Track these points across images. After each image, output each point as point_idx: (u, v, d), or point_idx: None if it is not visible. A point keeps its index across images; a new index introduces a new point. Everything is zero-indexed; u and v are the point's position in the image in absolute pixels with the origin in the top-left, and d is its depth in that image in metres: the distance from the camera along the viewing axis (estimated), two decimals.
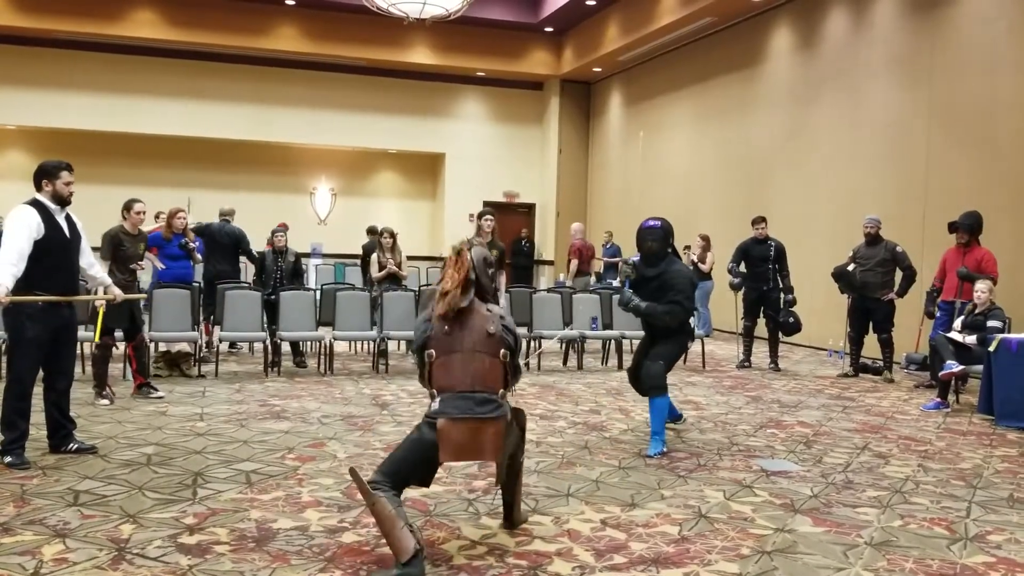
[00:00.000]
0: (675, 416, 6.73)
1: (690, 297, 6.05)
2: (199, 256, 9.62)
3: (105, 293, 5.97)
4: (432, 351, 3.82)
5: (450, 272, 3.88)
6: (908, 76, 11.15)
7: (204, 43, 17.58)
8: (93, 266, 5.73)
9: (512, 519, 4.18)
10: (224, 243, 10.16)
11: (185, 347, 8.94)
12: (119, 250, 7.35)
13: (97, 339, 6.91)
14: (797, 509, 4.64)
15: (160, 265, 9.35)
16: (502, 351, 3.84)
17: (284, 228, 13.32)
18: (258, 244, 11.02)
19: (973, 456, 6.05)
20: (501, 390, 3.83)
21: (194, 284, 9.42)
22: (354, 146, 20.06)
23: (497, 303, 4.01)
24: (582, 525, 4.28)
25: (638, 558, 3.84)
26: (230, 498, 4.57)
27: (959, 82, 10.36)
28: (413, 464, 3.73)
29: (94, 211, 15.89)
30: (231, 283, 9.52)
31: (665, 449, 5.84)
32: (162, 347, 8.95)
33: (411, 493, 4.70)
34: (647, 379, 5.97)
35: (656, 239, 6.04)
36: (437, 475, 4.96)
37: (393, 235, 10.24)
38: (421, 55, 18.70)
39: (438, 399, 3.76)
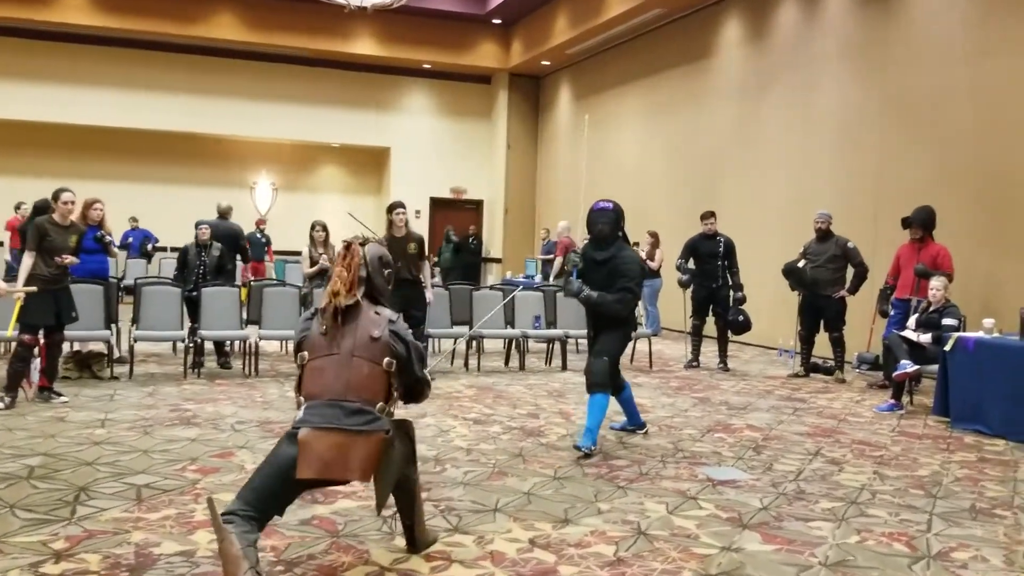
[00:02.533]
0: (638, 424, 6.36)
1: (640, 283, 5.86)
2: (115, 250, 9.02)
3: None
4: (305, 353, 3.34)
5: (338, 270, 3.39)
6: (861, 68, 10.88)
7: (137, 30, 16.80)
8: None
9: (416, 543, 3.66)
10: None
11: (100, 347, 8.33)
12: (44, 240, 6.80)
13: (8, 333, 6.39)
14: (745, 524, 4.22)
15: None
16: (386, 359, 3.33)
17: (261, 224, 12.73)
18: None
19: (931, 462, 5.70)
20: (381, 403, 3.31)
21: (110, 280, 8.80)
22: (296, 139, 19.43)
23: (389, 307, 3.50)
24: (508, 546, 3.82)
25: None
26: (112, 517, 4.04)
27: (912, 74, 10.10)
28: (272, 488, 3.15)
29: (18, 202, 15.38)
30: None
31: (594, 447, 5.52)
32: (74, 346, 8.34)
33: (321, 510, 4.23)
34: (590, 375, 5.71)
35: (607, 221, 5.77)
36: (351, 487, 4.54)
37: (326, 228, 9.68)
38: (365, 46, 18.13)
39: (304, 407, 3.26)
